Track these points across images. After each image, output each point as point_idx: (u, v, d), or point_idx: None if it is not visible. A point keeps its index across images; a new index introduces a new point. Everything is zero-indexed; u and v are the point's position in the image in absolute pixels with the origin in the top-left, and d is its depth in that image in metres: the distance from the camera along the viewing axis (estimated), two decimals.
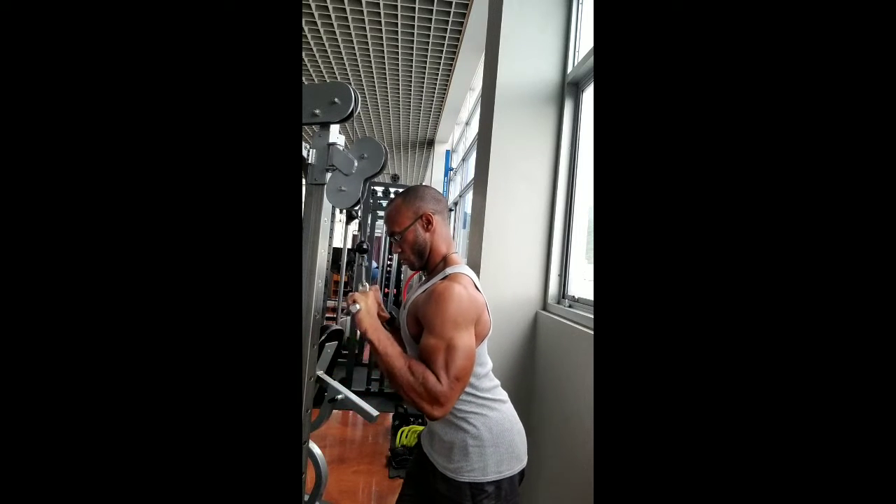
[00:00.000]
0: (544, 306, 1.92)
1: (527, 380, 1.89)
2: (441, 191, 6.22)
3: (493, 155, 1.91)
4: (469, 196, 2.63)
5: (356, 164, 0.94)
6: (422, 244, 1.16)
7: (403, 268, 5.01)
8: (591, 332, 1.44)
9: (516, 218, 1.92)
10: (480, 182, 2.03)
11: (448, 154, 6.51)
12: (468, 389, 1.09)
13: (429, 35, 3.99)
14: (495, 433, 1.09)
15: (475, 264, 1.94)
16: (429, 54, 4.35)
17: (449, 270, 1.13)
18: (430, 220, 1.15)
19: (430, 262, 1.19)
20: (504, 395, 1.17)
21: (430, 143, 7.27)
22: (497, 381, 1.18)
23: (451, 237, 1.22)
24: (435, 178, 6.87)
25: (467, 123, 5.69)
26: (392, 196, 4.65)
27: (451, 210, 6.46)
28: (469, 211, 2.29)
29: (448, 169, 6.24)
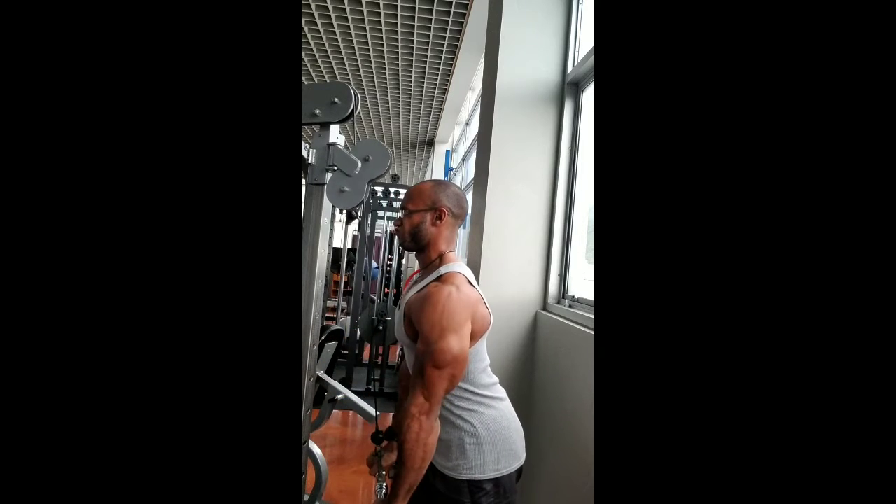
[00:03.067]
0: (544, 306, 1.91)
1: (527, 380, 1.88)
2: None
3: (493, 154, 1.91)
4: (469, 196, 2.64)
5: (360, 165, 0.94)
6: (423, 233, 1.16)
7: (404, 268, 5.01)
8: (591, 332, 1.44)
9: (516, 217, 1.90)
10: (480, 181, 2.03)
11: (448, 154, 6.50)
12: (465, 386, 1.09)
13: (429, 35, 3.99)
14: (492, 431, 1.09)
15: (475, 264, 1.94)
16: (429, 54, 4.34)
17: (443, 270, 1.12)
18: (442, 216, 1.15)
19: (426, 257, 1.19)
20: (502, 392, 1.17)
21: (430, 143, 7.26)
22: (495, 379, 1.18)
23: (455, 241, 1.22)
24: (435, 178, 6.84)
25: (467, 123, 5.69)
26: (392, 196, 4.67)
27: None
28: (469, 210, 2.28)
29: (448, 169, 6.23)
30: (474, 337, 1.06)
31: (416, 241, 1.16)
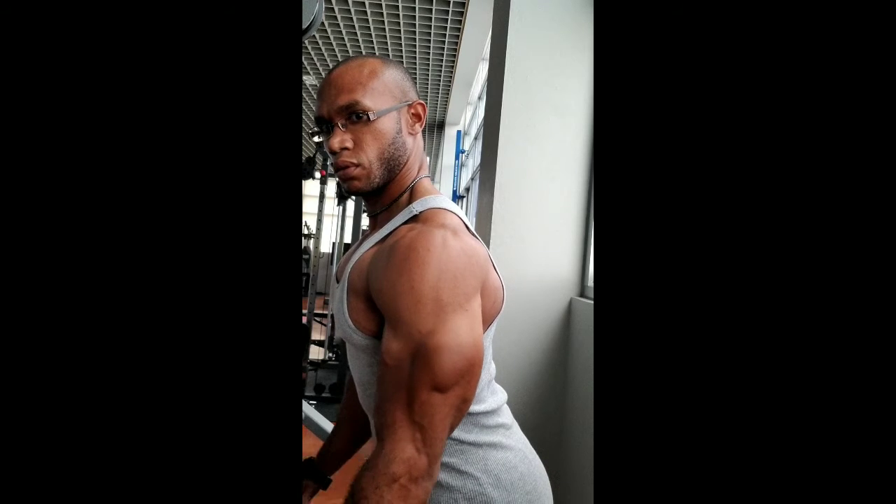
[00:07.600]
0: (582, 291, 1.49)
1: (557, 387, 1.50)
2: (452, 176, 5.76)
3: (508, 76, 1.40)
4: (476, 149, 2.19)
5: None
6: (399, 149, 0.69)
7: None
8: None
9: (542, 167, 1.45)
10: (492, 117, 1.53)
11: (459, 135, 6.06)
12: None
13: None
14: (506, 484, 0.69)
15: (483, 233, 1.42)
16: (433, 13, 3.96)
17: (418, 206, 0.67)
18: (420, 116, 0.72)
19: (388, 193, 0.72)
20: (510, 416, 0.75)
21: (441, 126, 6.88)
22: (502, 396, 0.75)
23: (425, 156, 0.78)
24: (445, 163, 6.51)
25: (480, 98, 5.29)
26: None
27: (462, 197, 6.04)
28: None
29: (459, 151, 5.79)
30: (482, 323, 0.63)
31: (391, 169, 0.69)
